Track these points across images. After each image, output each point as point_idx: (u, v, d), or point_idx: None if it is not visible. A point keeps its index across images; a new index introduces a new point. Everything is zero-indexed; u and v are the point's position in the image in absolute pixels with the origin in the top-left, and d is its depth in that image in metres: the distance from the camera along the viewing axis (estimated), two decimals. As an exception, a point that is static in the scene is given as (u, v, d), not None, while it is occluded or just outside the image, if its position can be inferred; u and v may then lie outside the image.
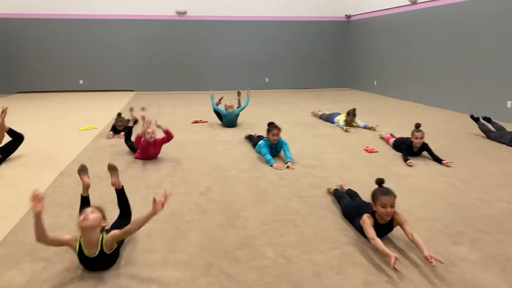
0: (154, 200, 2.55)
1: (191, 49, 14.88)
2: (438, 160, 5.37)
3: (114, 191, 3.44)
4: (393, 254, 2.67)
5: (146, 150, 5.42)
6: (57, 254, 2.95)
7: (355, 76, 15.34)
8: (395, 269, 2.59)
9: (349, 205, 3.57)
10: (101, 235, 2.64)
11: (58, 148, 6.16)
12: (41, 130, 7.47)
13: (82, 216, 2.59)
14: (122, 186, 3.41)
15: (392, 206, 2.96)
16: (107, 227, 2.87)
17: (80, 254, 2.62)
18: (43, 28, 13.87)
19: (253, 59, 15.31)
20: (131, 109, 7.51)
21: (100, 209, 2.73)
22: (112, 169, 3.40)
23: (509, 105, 8.33)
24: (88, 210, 2.65)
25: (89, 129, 7.60)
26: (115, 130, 7.05)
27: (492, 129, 6.85)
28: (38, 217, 2.46)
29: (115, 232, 2.66)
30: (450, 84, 10.08)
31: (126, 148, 6.03)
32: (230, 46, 15.09)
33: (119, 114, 7.25)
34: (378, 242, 2.84)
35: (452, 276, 2.67)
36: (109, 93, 14.14)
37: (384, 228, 3.09)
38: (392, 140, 6.23)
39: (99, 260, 2.63)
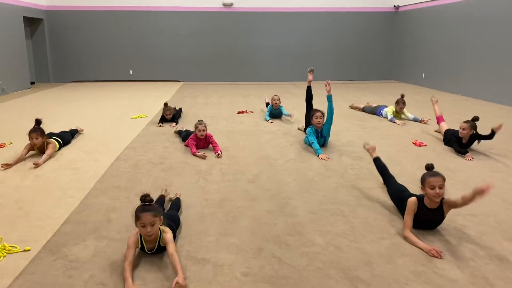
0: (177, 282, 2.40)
1: (237, 41, 15.03)
2: (490, 135, 5.32)
3: (166, 177, 3.68)
4: (425, 245, 2.83)
5: (197, 145, 5.55)
6: (118, 233, 3.15)
7: (403, 68, 14.97)
8: (434, 256, 2.75)
9: (401, 189, 3.56)
10: (159, 233, 2.74)
11: (112, 134, 6.47)
12: (96, 117, 7.84)
13: (144, 231, 2.63)
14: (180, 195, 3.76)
15: (441, 187, 2.99)
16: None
17: (141, 249, 2.76)
18: (96, 20, 14.43)
19: (299, 50, 15.26)
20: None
21: (157, 211, 2.72)
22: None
23: None
24: (148, 222, 2.62)
25: (140, 117, 7.91)
26: (164, 119, 7.29)
27: None
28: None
29: (170, 241, 2.68)
30: (502, 77, 9.66)
31: (177, 136, 6.26)
32: (276, 38, 15.11)
33: (165, 104, 7.49)
34: (410, 235, 2.98)
35: (506, 270, 2.64)
36: (157, 83, 14.55)
37: (433, 214, 3.09)
38: (443, 124, 6.08)
39: (156, 253, 2.78)
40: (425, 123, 7.34)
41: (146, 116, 8.01)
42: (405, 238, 3.03)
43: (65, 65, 14.65)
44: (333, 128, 5.86)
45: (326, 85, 5.57)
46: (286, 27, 15.08)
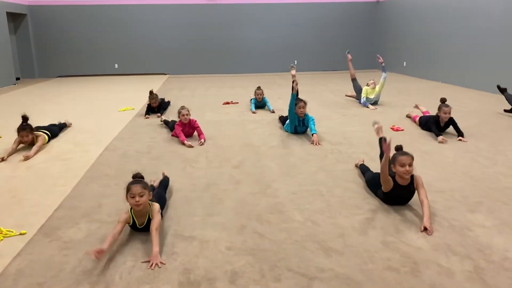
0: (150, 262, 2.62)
1: (222, 33, 15.15)
2: (460, 134, 5.54)
3: (154, 164, 3.95)
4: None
5: (182, 130, 5.74)
6: (110, 216, 3.34)
7: (384, 57, 15.08)
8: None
9: (374, 176, 3.81)
10: (149, 207, 2.95)
11: (100, 126, 6.62)
12: (83, 111, 7.96)
13: (133, 201, 2.83)
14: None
15: (410, 165, 3.23)
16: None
17: (133, 224, 2.96)
18: (80, 14, 14.43)
19: (282, 42, 15.45)
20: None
21: (146, 185, 2.93)
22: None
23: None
24: (137, 192, 2.82)
25: (127, 110, 8.05)
26: (150, 109, 7.44)
27: None
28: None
29: (157, 212, 2.91)
30: (479, 64, 9.99)
31: (163, 127, 6.43)
32: (259, 30, 15.27)
33: (151, 92, 7.63)
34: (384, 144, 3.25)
35: (467, 239, 2.89)
36: (143, 76, 14.64)
37: (404, 190, 3.34)
38: (418, 118, 6.37)
39: (146, 227, 2.98)
40: (381, 60, 8.09)
41: (133, 109, 8.16)
42: (383, 166, 3.26)
43: (50, 60, 14.65)
44: (316, 116, 6.08)
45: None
46: (271, 19, 15.24)
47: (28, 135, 5.22)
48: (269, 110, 7.76)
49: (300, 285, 2.39)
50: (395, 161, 3.33)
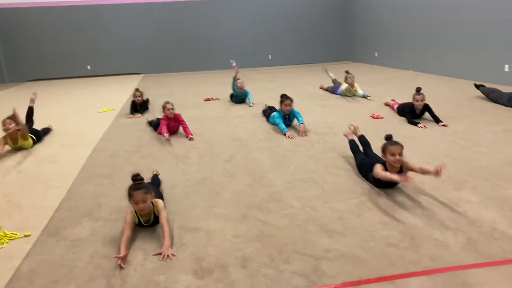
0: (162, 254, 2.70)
1: (195, 30, 15.14)
2: (437, 120, 5.78)
3: (145, 163, 4.14)
4: (399, 177, 3.18)
5: (167, 125, 5.79)
6: (111, 214, 3.39)
7: (357, 49, 15.59)
8: (406, 181, 3.12)
9: (364, 161, 3.98)
10: (152, 206, 3.01)
11: (84, 128, 6.57)
12: (62, 114, 7.86)
13: (137, 207, 2.90)
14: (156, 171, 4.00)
15: (400, 154, 3.40)
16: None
17: (139, 223, 3.02)
18: (49, 16, 14.13)
19: (256, 36, 15.56)
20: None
21: (148, 188, 2.97)
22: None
23: (506, 69, 8.66)
24: (140, 199, 2.87)
25: (108, 111, 8.00)
26: (134, 107, 7.44)
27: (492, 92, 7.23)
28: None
29: (162, 208, 2.99)
30: (450, 51, 10.38)
31: (149, 126, 6.45)
32: (233, 25, 15.33)
33: (137, 89, 7.67)
34: (387, 173, 3.33)
35: (456, 214, 3.09)
36: (118, 77, 14.47)
37: None
38: (396, 106, 6.61)
39: (152, 224, 3.05)
40: (370, 100, 7.83)
41: (114, 109, 8.11)
42: (376, 175, 3.40)
43: (20, 64, 14.30)
44: (297, 108, 6.22)
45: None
46: (243, 14, 15.32)
47: (12, 123, 5.21)
48: (249, 104, 7.87)
49: (308, 265, 2.52)
50: (385, 151, 3.49)
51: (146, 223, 3.04)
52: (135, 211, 2.99)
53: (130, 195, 2.93)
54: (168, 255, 2.68)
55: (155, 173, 4.07)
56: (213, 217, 3.25)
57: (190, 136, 5.59)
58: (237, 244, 2.80)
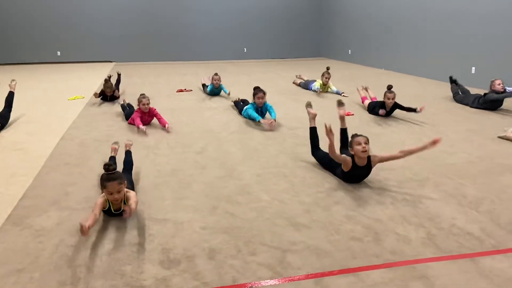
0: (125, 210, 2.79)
1: (169, 19, 14.96)
2: (411, 110, 6.01)
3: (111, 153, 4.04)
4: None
5: (141, 118, 5.73)
6: (79, 203, 3.34)
7: (331, 45, 15.77)
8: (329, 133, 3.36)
9: (326, 157, 4.02)
10: (124, 195, 3.00)
11: (52, 116, 6.42)
12: (31, 100, 7.65)
13: (112, 197, 2.89)
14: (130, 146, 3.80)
15: (366, 143, 3.52)
16: None
17: (108, 210, 3.00)
18: (17, -2, 13.65)
19: (231, 29, 15.52)
20: (109, 77, 7.82)
21: (121, 178, 2.94)
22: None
23: (473, 71, 8.96)
24: (114, 190, 2.87)
25: (77, 99, 7.83)
26: (104, 95, 7.32)
27: (459, 92, 7.47)
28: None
29: (133, 196, 2.99)
30: (420, 52, 10.64)
31: (119, 115, 6.36)
32: (209, 17, 15.22)
33: (106, 80, 7.53)
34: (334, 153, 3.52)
35: (418, 210, 3.21)
36: (88, 64, 14.15)
37: (362, 170, 3.61)
38: (366, 102, 6.75)
39: (122, 213, 3.04)
40: (345, 96, 7.97)
41: (83, 97, 7.95)
42: (331, 152, 3.53)
43: (-15, 47, 13.78)
44: (270, 102, 6.27)
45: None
46: (219, 6, 15.24)
47: None
48: (225, 93, 7.88)
49: (275, 257, 2.57)
50: (352, 143, 3.59)
51: (116, 211, 3.02)
52: (108, 201, 2.97)
53: (104, 186, 2.90)
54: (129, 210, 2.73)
55: (128, 148, 4.02)
56: (182, 208, 3.26)
57: (167, 125, 5.55)
58: (205, 236, 2.83)
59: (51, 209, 3.25)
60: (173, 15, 14.93)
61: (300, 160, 4.38)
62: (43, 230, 2.92)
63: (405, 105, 6.20)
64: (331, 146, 3.49)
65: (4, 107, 5.82)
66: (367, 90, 7.27)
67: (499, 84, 6.56)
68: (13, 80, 6.26)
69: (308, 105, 4.66)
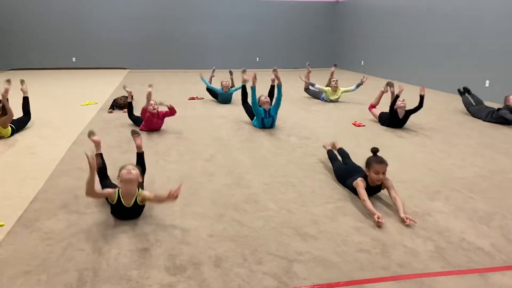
0: (170, 193, 2.94)
1: (182, 27, 15.10)
2: (420, 103, 6.12)
3: (126, 158, 3.96)
4: (377, 213, 3.18)
5: (150, 121, 5.81)
6: (88, 208, 3.37)
7: (344, 56, 15.76)
8: (378, 225, 3.10)
9: (341, 168, 4.04)
10: (137, 190, 3.07)
11: (65, 121, 6.51)
12: (45, 105, 7.76)
13: (125, 170, 3.00)
14: (142, 151, 3.81)
15: (384, 173, 3.43)
16: None
17: (118, 203, 3.04)
18: (36, 5, 13.92)
19: (245, 38, 15.61)
20: (124, 87, 7.83)
21: (138, 168, 3.13)
22: (136, 133, 3.82)
23: (487, 84, 8.88)
24: (129, 166, 3.05)
25: (90, 104, 7.93)
26: (117, 105, 7.40)
27: (473, 102, 7.39)
28: (93, 173, 2.91)
29: (148, 193, 3.09)
30: (434, 64, 10.58)
31: (130, 121, 6.42)
32: (223, 26, 15.35)
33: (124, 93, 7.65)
34: (368, 203, 3.32)
35: (428, 223, 3.17)
36: (102, 70, 14.33)
37: (373, 190, 3.58)
38: (374, 110, 6.73)
39: (132, 210, 3.07)
40: (365, 80, 8.16)
41: (96, 103, 8.05)
42: (364, 205, 3.36)
43: (3, 52, 14.02)
44: (281, 112, 6.30)
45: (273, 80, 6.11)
46: (233, 16, 15.36)
47: None
48: (239, 89, 7.92)
49: (281, 266, 2.56)
50: (370, 166, 3.48)
51: (127, 205, 3.05)
52: (118, 191, 3.04)
53: (120, 168, 3.08)
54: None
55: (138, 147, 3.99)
56: (190, 215, 3.27)
57: (170, 105, 5.79)
58: (212, 243, 2.83)
59: (60, 213, 3.29)
60: (186, 23, 15.08)
61: (309, 170, 4.37)
62: (52, 233, 2.95)
63: (417, 120, 6.15)
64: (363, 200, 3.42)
65: (23, 115, 5.92)
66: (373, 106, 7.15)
67: (514, 100, 6.48)
68: (22, 81, 6.19)
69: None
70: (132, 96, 7.44)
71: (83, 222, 3.12)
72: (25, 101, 6.05)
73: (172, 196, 2.94)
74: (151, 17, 14.76)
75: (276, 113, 6.11)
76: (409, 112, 6.12)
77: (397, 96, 6.13)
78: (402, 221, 3.16)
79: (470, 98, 7.58)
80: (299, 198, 3.64)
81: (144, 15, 14.70)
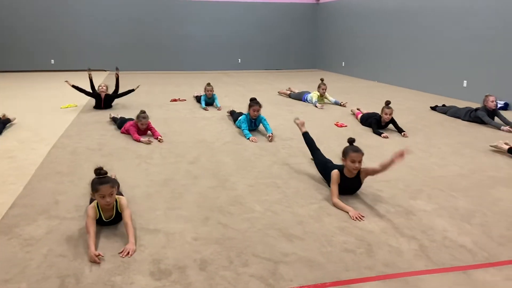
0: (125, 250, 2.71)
1: (165, 29, 15.00)
2: (400, 131, 5.98)
3: (106, 161, 4.06)
4: (351, 209, 3.29)
5: (136, 131, 5.68)
6: (69, 213, 3.30)
7: (324, 57, 15.88)
8: (357, 219, 3.19)
9: (323, 161, 4.08)
10: (115, 201, 2.98)
11: (44, 124, 6.38)
12: (22, 108, 7.60)
13: (104, 201, 2.84)
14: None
15: (360, 162, 3.50)
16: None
17: (99, 218, 2.95)
18: (12, 6, 13.62)
19: (227, 40, 15.58)
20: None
21: (113, 182, 2.94)
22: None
23: (465, 84, 9.05)
24: (107, 192, 2.83)
25: (70, 107, 7.80)
26: (97, 104, 7.35)
27: (447, 108, 7.54)
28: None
29: (126, 207, 2.97)
30: (412, 65, 10.74)
31: (112, 124, 6.33)
32: (204, 27, 15.29)
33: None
34: (338, 201, 3.44)
35: (411, 222, 3.21)
36: (82, 73, 14.07)
37: (352, 183, 3.61)
38: (360, 115, 6.78)
39: (114, 221, 3.01)
40: (344, 106, 8.06)
41: (76, 106, 7.92)
42: (334, 204, 3.48)
43: (-22, 54, 13.71)
44: (264, 114, 6.27)
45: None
46: (215, 17, 15.32)
47: None
48: (216, 107, 7.86)
49: (267, 268, 2.55)
50: (346, 156, 3.56)
51: (108, 219, 2.98)
52: (97, 206, 2.93)
53: (96, 190, 2.85)
54: (130, 252, 2.67)
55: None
56: (174, 219, 3.23)
57: (159, 137, 5.51)
58: (197, 247, 2.80)
59: (40, 218, 3.21)
60: (168, 25, 14.98)
61: (294, 171, 4.37)
62: (32, 239, 2.88)
63: (399, 121, 6.20)
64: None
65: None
66: (360, 111, 7.23)
67: (492, 101, 6.55)
68: None
69: (296, 119, 4.76)
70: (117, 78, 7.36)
71: (65, 228, 3.05)
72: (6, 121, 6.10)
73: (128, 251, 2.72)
74: (131, 18, 14.60)
75: (266, 124, 5.97)
76: (392, 122, 6.16)
77: (401, 132, 6.00)
78: (397, 156, 3.25)
79: (442, 108, 7.69)
80: (284, 199, 3.64)
81: (124, 17, 14.54)
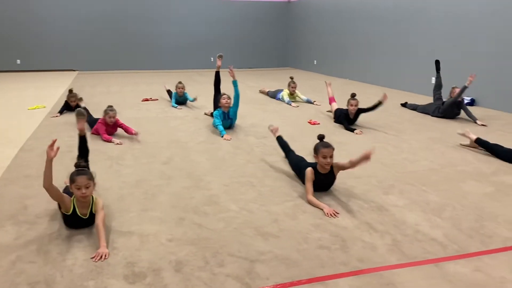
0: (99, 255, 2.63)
1: (135, 28, 14.77)
2: (376, 105, 6.17)
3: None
4: (325, 206, 3.33)
5: (105, 129, 5.58)
6: (38, 217, 3.21)
7: (297, 56, 15.99)
8: (331, 216, 3.23)
9: (297, 160, 4.11)
10: (92, 199, 2.94)
11: (10, 126, 6.18)
12: (-14, 110, 7.35)
13: (79, 192, 2.80)
14: (85, 133, 3.73)
15: (331, 156, 3.56)
16: None
17: (73, 214, 2.89)
18: (-26, 4, 13.15)
19: (198, 39, 15.47)
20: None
21: (91, 176, 2.91)
22: (80, 115, 3.65)
23: (433, 81, 9.26)
24: (83, 184, 2.81)
25: (38, 108, 7.58)
26: (68, 106, 7.11)
27: (416, 105, 7.73)
28: (50, 163, 2.75)
29: (101, 208, 2.91)
30: (382, 62, 10.94)
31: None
32: (175, 25, 15.14)
33: (70, 91, 7.30)
34: (313, 199, 3.48)
35: (384, 217, 3.26)
36: (50, 73, 13.75)
37: (326, 178, 3.67)
38: (333, 104, 6.84)
39: (89, 220, 2.94)
40: (317, 105, 8.13)
41: (44, 107, 7.70)
42: (309, 202, 3.50)
43: None
44: (238, 112, 6.26)
45: (229, 71, 5.95)
46: (186, 15, 15.19)
47: None
48: (191, 101, 7.84)
49: (243, 268, 2.54)
50: (318, 152, 3.61)
51: (83, 216, 2.92)
52: (73, 200, 2.89)
53: (72, 181, 2.84)
54: (104, 255, 2.60)
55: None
56: (148, 220, 3.18)
57: (134, 131, 5.50)
58: (172, 248, 2.76)
59: (8, 224, 3.10)
60: (139, 23, 14.76)
61: (268, 170, 4.38)
62: (-1, 246, 2.78)
63: (367, 118, 6.30)
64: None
65: None
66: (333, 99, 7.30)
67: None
68: None
69: (270, 126, 4.86)
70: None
71: (34, 233, 2.96)
72: None
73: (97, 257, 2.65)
74: (101, 17, 14.32)
75: (235, 116, 6.04)
76: (360, 110, 6.27)
77: (380, 103, 6.17)
78: (366, 157, 3.29)
79: (412, 104, 7.88)
80: (259, 197, 3.64)
81: (93, 16, 14.24)
